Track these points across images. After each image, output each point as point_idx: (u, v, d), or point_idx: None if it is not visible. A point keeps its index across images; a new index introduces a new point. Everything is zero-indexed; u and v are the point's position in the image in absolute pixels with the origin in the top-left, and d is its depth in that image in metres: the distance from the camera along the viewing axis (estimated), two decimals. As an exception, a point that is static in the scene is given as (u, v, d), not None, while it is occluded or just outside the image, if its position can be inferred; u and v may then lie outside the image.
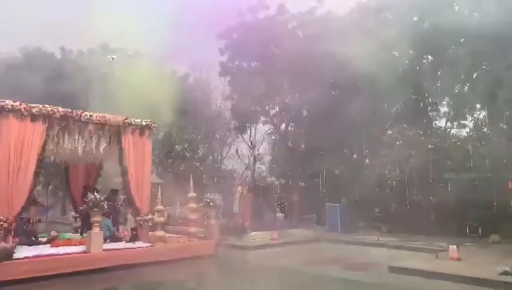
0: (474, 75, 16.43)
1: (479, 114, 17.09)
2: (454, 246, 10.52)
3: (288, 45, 19.73)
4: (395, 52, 17.56)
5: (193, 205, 14.16)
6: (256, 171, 28.28)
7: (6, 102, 10.77)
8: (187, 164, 28.39)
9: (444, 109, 18.34)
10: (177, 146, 30.22)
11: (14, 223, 10.63)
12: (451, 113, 18.01)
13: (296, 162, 20.92)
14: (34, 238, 12.41)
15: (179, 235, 13.80)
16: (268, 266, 12.10)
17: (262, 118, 24.13)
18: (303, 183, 21.73)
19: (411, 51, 17.33)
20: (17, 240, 11.13)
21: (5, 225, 10.20)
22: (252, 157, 30.11)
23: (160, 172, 26.78)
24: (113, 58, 23.66)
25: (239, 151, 30.92)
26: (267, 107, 23.26)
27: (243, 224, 15.13)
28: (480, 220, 14.25)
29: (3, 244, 9.65)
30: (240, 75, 23.14)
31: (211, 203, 14.37)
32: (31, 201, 11.94)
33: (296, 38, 20.80)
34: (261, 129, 28.48)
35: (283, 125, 23.49)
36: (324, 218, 17.09)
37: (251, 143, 30.15)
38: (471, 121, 17.22)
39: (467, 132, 17.12)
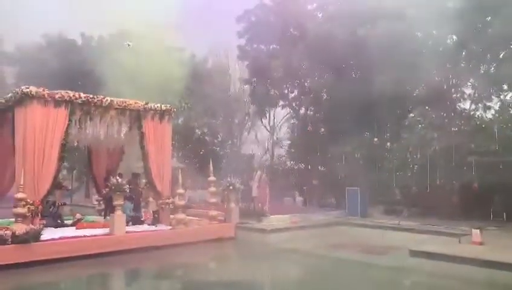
0: (501, 55, 15.85)
1: (506, 95, 16.54)
2: (477, 230, 10.33)
3: (308, 27, 19.42)
4: (418, 32, 17.06)
5: (213, 188, 14.28)
6: (275, 156, 28.32)
7: (30, 88, 10.99)
8: (207, 148, 28.63)
9: (468, 91, 17.83)
10: (196, 130, 30.45)
11: (40, 206, 10.96)
12: (476, 95, 17.49)
13: (315, 146, 20.80)
14: (59, 221, 12.80)
15: (199, 218, 14.00)
16: (288, 249, 12.17)
17: (281, 102, 24.00)
18: (322, 167, 21.62)
19: (434, 31, 16.81)
20: (44, 222, 11.49)
21: (32, 207, 10.52)
22: (271, 142, 30.14)
23: (180, 156, 27.07)
24: (129, 45, 23.79)
25: (258, 135, 31.01)
26: (286, 91, 23.10)
27: (263, 207, 15.22)
28: (505, 204, 13.93)
29: (31, 226, 9.96)
30: (258, 59, 22.97)
31: (231, 187, 14.47)
32: (56, 185, 12.23)
33: (315, 20, 20.45)
34: (280, 113, 28.44)
35: (302, 109, 23.32)
36: (344, 202, 17.01)
37: (270, 127, 30.16)
38: (497, 103, 16.69)
39: (492, 114, 16.61)
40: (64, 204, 14.41)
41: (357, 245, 12.37)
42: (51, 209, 12.72)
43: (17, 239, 9.46)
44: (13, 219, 10.44)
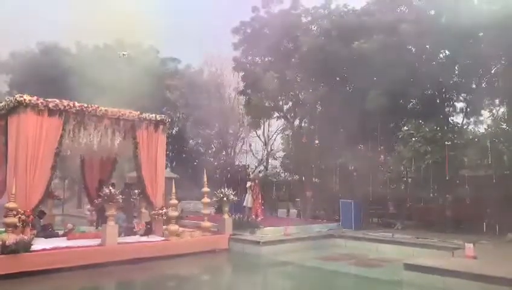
0: (493, 70, 16.08)
1: (498, 110, 16.74)
2: (471, 244, 10.34)
3: (302, 40, 19.59)
4: (411, 46, 17.28)
5: (207, 199, 14.21)
6: (270, 167, 28.32)
7: (24, 97, 10.92)
8: (200, 159, 28.56)
9: (460, 105, 18.06)
10: (191, 141, 30.43)
11: (31, 216, 10.81)
12: (468, 109, 17.71)
13: (309, 157, 20.83)
14: (50, 230, 12.65)
15: (192, 230, 13.89)
16: (282, 261, 12.12)
17: (276, 114, 24.06)
18: (316, 179, 21.62)
19: (427, 46, 17.04)
20: (35, 232, 11.34)
21: (24, 217, 10.37)
22: (265, 153, 30.17)
23: (174, 166, 26.96)
24: (124, 54, 23.84)
25: (252, 146, 31.03)
26: (281, 103, 23.17)
27: (256, 219, 15.15)
28: (497, 218, 14.00)
29: (21, 236, 9.81)
30: (253, 70, 23.08)
31: (225, 198, 14.41)
32: (48, 194, 12.09)
33: (310, 33, 20.64)
34: (275, 124, 28.54)
35: (297, 121, 23.39)
36: (338, 214, 17.00)
37: (264, 138, 30.22)
38: (489, 117, 16.89)
39: (485, 128, 16.79)
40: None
41: (350, 258, 12.34)
42: (41, 220, 12.58)
43: (6, 249, 9.31)
44: (3, 229, 10.29)
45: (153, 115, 13.42)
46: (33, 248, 9.86)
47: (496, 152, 13.96)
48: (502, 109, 16.49)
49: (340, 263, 11.74)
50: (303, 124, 23.01)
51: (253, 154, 30.88)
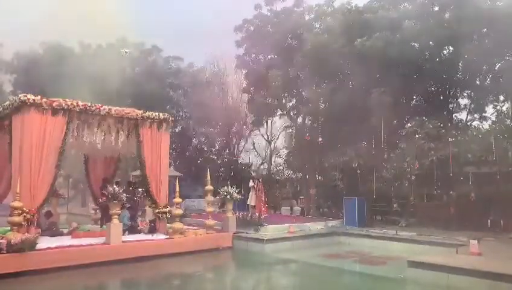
0: (497, 66, 16.00)
1: (502, 106, 16.66)
2: (475, 241, 10.30)
3: (305, 37, 19.56)
4: (414, 43, 17.21)
5: (210, 197, 14.23)
6: (273, 165, 28.31)
7: (28, 96, 10.96)
8: (204, 157, 28.60)
9: (464, 101, 17.99)
10: (194, 139, 30.49)
11: (36, 215, 10.86)
12: (472, 106, 17.63)
13: (313, 155, 20.81)
14: (55, 229, 12.71)
15: (196, 228, 13.94)
16: (286, 259, 12.13)
17: (279, 111, 24.05)
18: (320, 177, 21.60)
19: (431, 42, 16.97)
20: (39, 230, 11.40)
21: (28, 216, 10.43)
22: (268, 151, 30.15)
23: (177, 165, 27.01)
24: (126, 52, 23.92)
25: (256, 144, 31.01)
26: (284, 100, 23.16)
27: (260, 217, 15.16)
28: (502, 214, 13.94)
29: (26, 235, 9.87)
30: (256, 68, 23.08)
31: (228, 196, 14.42)
32: (52, 193, 12.15)
33: (313, 30, 20.61)
34: (278, 122, 28.51)
35: (300, 118, 23.36)
36: (341, 211, 16.98)
37: (267, 136, 30.20)
38: (493, 113, 16.81)
39: (489, 125, 16.71)
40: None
41: (354, 255, 12.34)
42: (47, 219, 12.65)
43: (12, 248, 9.37)
44: (9, 227, 10.35)
45: (157, 114, 13.42)
46: (38, 246, 9.92)
47: (500, 148, 13.87)
48: (506, 105, 16.41)
49: (344, 261, 11.75)
50: (306, 122, 22.97)
51: (256, 152, 30.87)
